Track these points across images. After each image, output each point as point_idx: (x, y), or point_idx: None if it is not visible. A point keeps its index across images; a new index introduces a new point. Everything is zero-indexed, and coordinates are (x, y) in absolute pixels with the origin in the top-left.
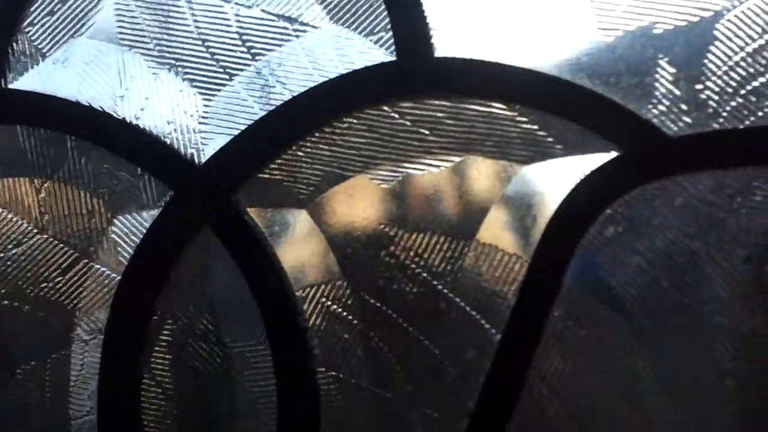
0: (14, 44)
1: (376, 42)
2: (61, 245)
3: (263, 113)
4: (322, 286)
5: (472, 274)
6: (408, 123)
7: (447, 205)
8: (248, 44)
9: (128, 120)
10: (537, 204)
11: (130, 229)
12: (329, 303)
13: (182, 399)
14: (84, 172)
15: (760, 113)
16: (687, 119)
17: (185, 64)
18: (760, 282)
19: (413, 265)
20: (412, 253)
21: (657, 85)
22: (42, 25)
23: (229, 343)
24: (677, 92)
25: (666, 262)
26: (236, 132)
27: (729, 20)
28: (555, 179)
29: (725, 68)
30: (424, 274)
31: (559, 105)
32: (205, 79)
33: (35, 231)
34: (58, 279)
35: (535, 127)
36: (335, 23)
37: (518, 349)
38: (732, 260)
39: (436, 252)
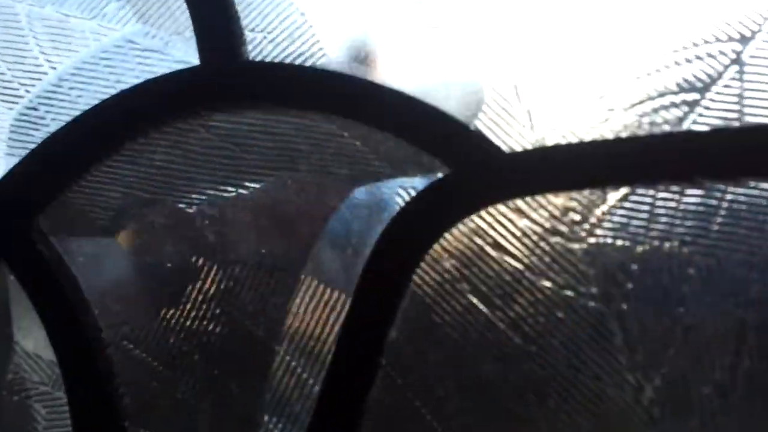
0: None
1: (182, 44)
2: None
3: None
4: (128, 327)
5: (293, 315)
6: (214, 138)
7: (266, 232)
8: (43, 51)
9: None
10: (364, 233)
11: None
12: (134, 347)
13: None
14: None
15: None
16: (527, 134)
17: None
18: (606, 327)
19: (223, 303)
20: (223, 290)
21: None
22: None
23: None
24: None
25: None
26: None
27: None
28: (385, 203)
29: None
30: (235, 314)
31: (379, 116)
32: None
33: None
34: None
35: (357, 142)
36: (138, 21)
37: (339, 407)
38: (580, 299)
39: (249, 288)
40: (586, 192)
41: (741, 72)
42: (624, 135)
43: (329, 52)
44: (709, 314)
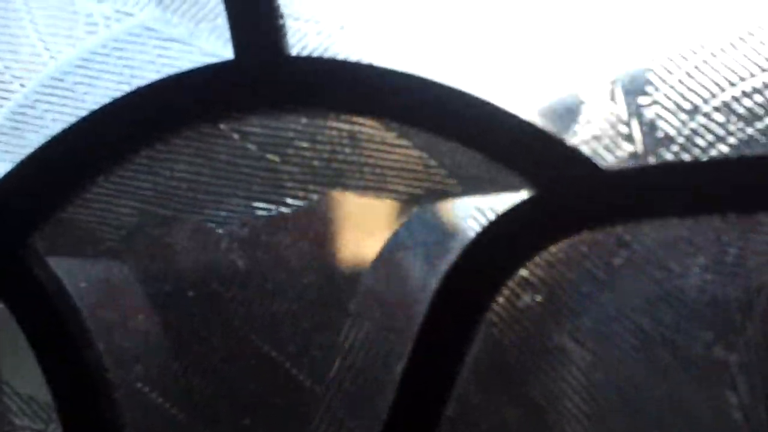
0: None
1: (211, 33)
2: None
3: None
4: (141, 365)
5: (341, 356)
6: (252, 147)
7: (306, 259)
8: (42, 38)
9: None
10: (428, 262)
11: None
12: (149, 390)
13: None
14: None
15: (731, 138)
16: (629, 147)
17: None
18: (729, 376)
19: (257, 341)
20: (257, 326)
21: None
22: None
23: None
24: (613, 109)
25: (602, 350)
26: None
27: None
28: (454, 227)
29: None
30: (272, 354)
31: (452, 124)
32: None
33: None
34: None
35: (423, 154)
36: (158, 5)
37: None
38: (693, 346)
39: (290, 325)
40: (701, 219)
41: None
42: (749, 152)
43: (383, 47)
44: None
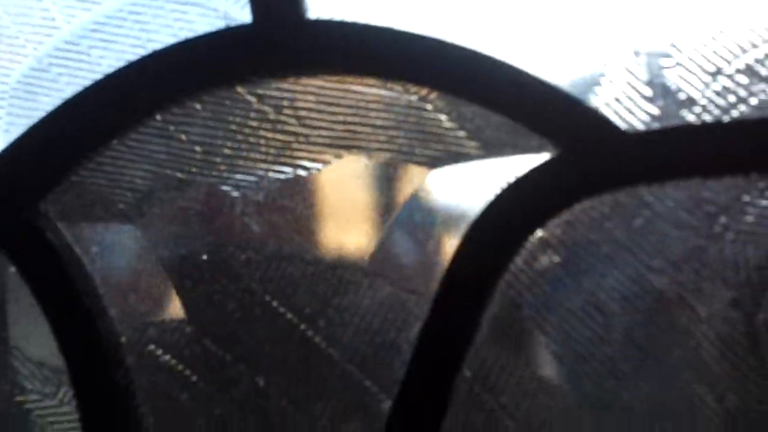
0: None
1: None
2: None
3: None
4: (154, 329)
5: (355, 318)
6: (269, 109)
7: (323, 223)
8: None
9: None
10: (445, 224)
11: None
12: (162, 352)
13: None
14: None
15: (753, 99)
16: (650, 109)
17: None
18: (753, 336)
19: (275, 304)
20: (272, 288)
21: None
22: None
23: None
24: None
25: (622, 309)
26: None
27: None
28: (470, 189)
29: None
30: (289, 316)
31: (474, 87)
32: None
33: None
34: None
35: (443, 117)
36: None
37: (413, 423)
38: (714, 305)
39: (305, 287)
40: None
41: None
42: None
43: (404, 10)
44: None
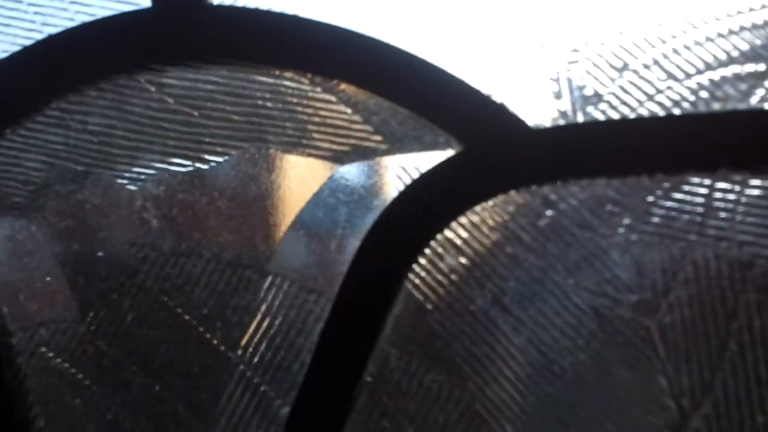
0: None
1: None
2: None
3: None
4: (46, 329)
5: (254, 319)
6: (169, 100)
7: (223, 219)
8: None
9: None
10: (349, 222)
11: None
12: (54, 356)
13: None
14: None
15: (661, 96)
16: (557, 105)
17: None
18: (651, 341)
19: (172, 304)
20: (170, 287)
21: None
22: None
23: None
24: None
25: (526, 311)
26: None
27: None
28: (375, 186)
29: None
30: (186, 316)
31: (379, 79)
32: None
33: None
34: None
35: (348, 109)
36: None
37: (312, 431)
38: (616, 308)
39: (203, 286)
40: (630, 179)
41: None
42: (678, 111)
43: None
44: None
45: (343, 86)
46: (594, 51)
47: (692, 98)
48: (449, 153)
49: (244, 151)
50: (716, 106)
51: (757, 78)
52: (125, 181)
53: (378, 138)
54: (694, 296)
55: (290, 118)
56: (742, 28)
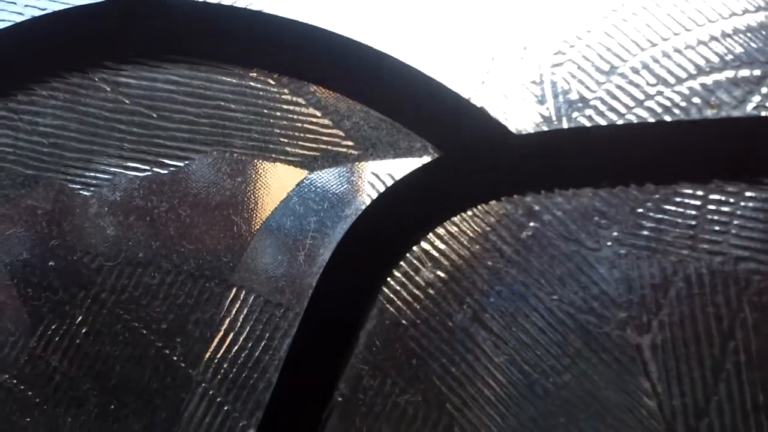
0: None
1: None
2: None
3: None
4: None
5: (216, 334)
6: (125, 100)
7: (184, 227)
8: None
9: None
10: (318, 231)
11: None
12: (1, 370)
13: None
14: None
15: (650, 101)
16: (540, 110)
17: None
18: (642, 361)
19: (128, 317)
20: (127, 299)
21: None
22: None
23: None
24: (524, 68)
25: (507, 328)
26: None
27: None
28: (347, 194)
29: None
30: (144, 331)
31: (351, 80)
32: None
33: None
34: None
35: (318, 113)
36: None
37: None
38: (605, 327)
39: (162, 299)
40: (616, 188)
41: None
42: (669, 118)
43: None
44: None
45: (312, 88)
46: (579, 53)
47: (684, 104)
48: (425, 159)
49: (207, 156)
50: (709, 113)
51: (752, 83)
52: (78, 186)
53: (349, 143)
54: (686, 314)
55: (256, 121)
56: (737, 31)
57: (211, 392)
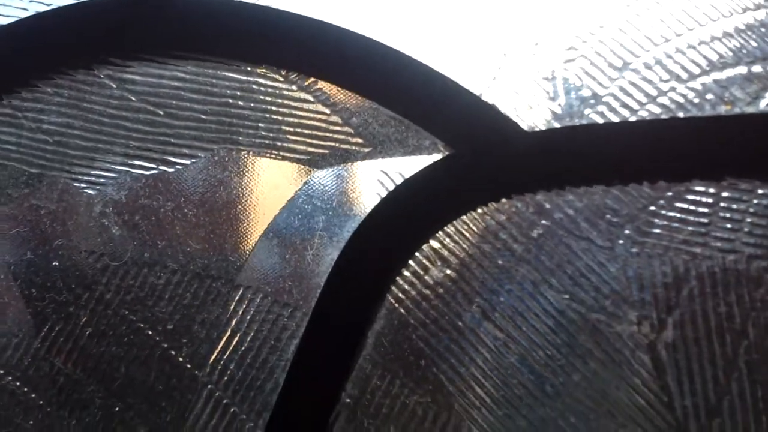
0: None
1: None
2: None
3: None
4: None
5: (223, 335)
6: (132, 98)
7: (190, 227)
8: None
9: None
10: (327, 230)
11: None
12: (4, 374)
13: None
14: None
15: (663, 98)
16: (552, 106)
17: None
18: (656, 360)
19: (133, 318)
20: (132, 300)
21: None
22: None
23: None
24: (536, 64)
25: (518, 328)
26: None
27: None
28: (355, 192)
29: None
30: (149, 332)
31: (359, 76)
32: None
33: None
34: None
35: (326, 110)
36: None
37: None
38: (617, 326)
39: (170, 298)
40: (629, 186)
41: None
42: (682, 114)
43: None
44: None
45: (320, 84)
46: (592, 48)
47: (697, 100)
48: (435, 157)
49: (213, 153)
50: (723, 109)
51: (766, 79)
52: (83, 185)
53: (358, 140)
54: (699, 313)
55: (263, 119)
56: (751, 27)
57: (217, 394)
